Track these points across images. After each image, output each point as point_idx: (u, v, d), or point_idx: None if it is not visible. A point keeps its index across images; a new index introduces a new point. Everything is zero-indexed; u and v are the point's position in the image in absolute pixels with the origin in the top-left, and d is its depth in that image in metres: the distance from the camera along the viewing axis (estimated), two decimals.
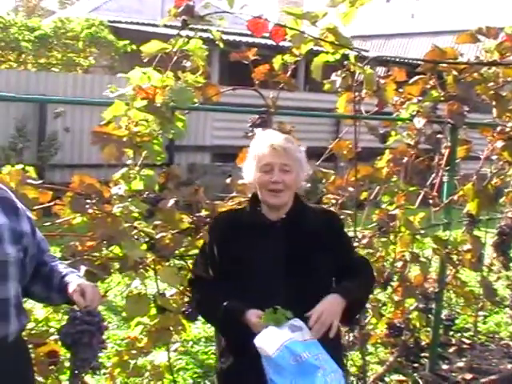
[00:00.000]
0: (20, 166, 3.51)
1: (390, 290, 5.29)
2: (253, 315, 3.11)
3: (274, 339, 2.96)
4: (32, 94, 13.77)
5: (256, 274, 3.26)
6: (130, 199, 3.54)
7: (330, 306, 3.17)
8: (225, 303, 3.23)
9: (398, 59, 21.23)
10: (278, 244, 3.30)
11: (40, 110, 15.04)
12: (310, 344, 2.99)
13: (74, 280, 2.80)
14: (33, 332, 3.68)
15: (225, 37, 4.26)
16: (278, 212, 3.36)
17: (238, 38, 17.96)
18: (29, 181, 3.48)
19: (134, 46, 20.00)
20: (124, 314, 5.14)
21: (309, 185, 3.96)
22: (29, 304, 3.11)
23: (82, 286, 2.74)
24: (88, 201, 3.53)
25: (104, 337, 3.02)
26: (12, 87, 14.57)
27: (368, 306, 4.97)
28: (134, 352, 4.18)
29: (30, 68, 20.54)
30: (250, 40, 17.69)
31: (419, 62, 5.29)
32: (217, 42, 4.00)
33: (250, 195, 3.58)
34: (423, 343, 6.10)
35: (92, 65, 21.96)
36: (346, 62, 4.65)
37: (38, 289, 2.91)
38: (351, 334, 5.08)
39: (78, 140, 15.74)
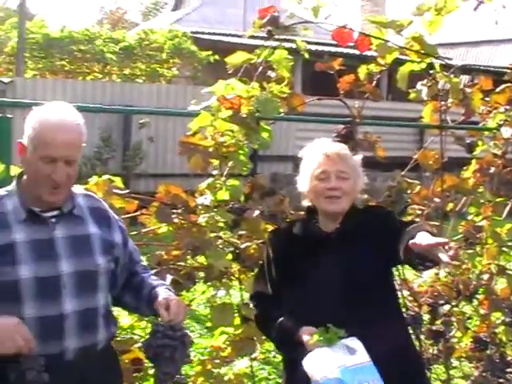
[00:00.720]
0: (107, 176, 3.57)
1: (475, 302, 5.17)
2: (305, 333, 2.97)
3: (323, 363, 2.81)
4: (117, 105, 13.99)
5: (310, 289, 3.13)
6: (215, 209, 3.55)
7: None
8: (280, 319, 3.14)
9: (483, 67, 20.87)
10: (332, 257, 3.15)
11: (125, 121, 15.30)
12: (363, 369, 2.79)
13: (162, 293, 2.81)
14: (118, 339, 3.73)
15: (307, 46, 4.25)
16: (334, 222, 3.21)
17: (319, 48, 17.91)
18: (115, 190, 3.53)
19: (216, 57, 20.20)
20: (208, 324, 5.17)
21: (365, 196, 3.90)
22: (114, 312, 3.14)
23: (168, 299, 2.74)
24: (174, 210, 3.56)
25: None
26: (97, 98, 14.86)
27: (453, 318, 4.87)
28: (217, 361, 4.19)
29: (115, 79, 20.93)
30: (332, 49, 17.63)
31: (506, 70, 5.17)
32: (301, 52, 4.00)
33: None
34: (509, 358, 5.95)
35: (175, 75, 22.24)
36: (431, 71, 4.58)
37: (128, 299, 2.95)
38: (435, 348, 4.99)
39: (162, 150, 15.94)
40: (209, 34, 24.18)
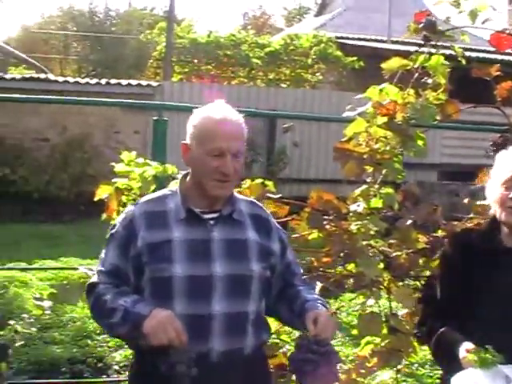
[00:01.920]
0: (259, 181, 3.59)
1: None
2: (464, 348, 2.81)
3: None
4: (262, 109, 14.14)
5: (485, 305, 2.95)
6: (368, 217, 3.50)
7: None
8: (442, 329, 2.99)
9: None
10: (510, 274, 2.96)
11: (270, 125, 15.42)
12: None
13: (314, 307, 2.75)
14: None
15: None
16: None
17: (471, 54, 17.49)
18: (268, 195, 3.54)
19: (361, 63, 20.08)
20: (353, 331, 5.11)
21: None
22: None
23: (317, 313, 2.68)
24: (325, 217, 3.54)
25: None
26: (243, 102, 15.06)
27: None
28: (362, 371, 4.12)
29: (259, 84, 21.15)
30: (480, 55, 17.18)
31: None
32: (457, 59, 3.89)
33: (489, 217, 3.29)
34: None
35: (319, 81, 22.26)
36: None
37: (282, 310, 2.92)
38: None
39: (307, 155, 16.01)
40: (353, 39, 24.07)
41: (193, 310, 2.66)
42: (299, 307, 2.80)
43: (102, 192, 3.82)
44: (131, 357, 5.37)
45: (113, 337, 3.76)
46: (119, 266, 2.75)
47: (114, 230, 2.82)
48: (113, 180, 3.83)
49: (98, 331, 6.60)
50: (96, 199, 3.82)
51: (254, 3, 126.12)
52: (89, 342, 6.55)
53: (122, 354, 6.14)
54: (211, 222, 2.76)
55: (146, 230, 2.72)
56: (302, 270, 3.12)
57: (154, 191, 3.40)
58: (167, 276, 2.65)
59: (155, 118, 4.15)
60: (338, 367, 2.76)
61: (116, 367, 6.04)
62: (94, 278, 2.80)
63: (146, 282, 2.71)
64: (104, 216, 3.78)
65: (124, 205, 3.71)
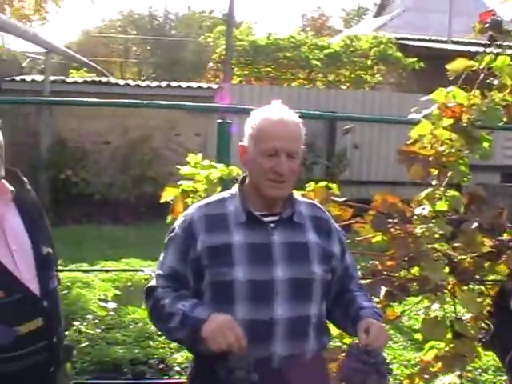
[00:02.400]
0: (323, 183, 3.58)
1: None
2: None
3: None
4: (322, 111, 14.10)
5: None
6: (433, 220, 3.46)
7: None
8: None
9: None
10: None
11: (330, 127, 15.37)
12: None
13: (367, 315, 2.70)
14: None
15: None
16: None
17: None
18: (332, 198, 3.53)
19: (421, 64, 19.88)
20: (415, 336, 5.07)
21: None
22: None
23: (369, 323, 2.64)
24: (389, 220, 3.51)
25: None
26: (303, 104, 15.04)
27: None
28: (426, 376, 4.08)
29: (319, 85, 21.10)
30: None
31: None
32: None
33: None
34: None
35: (379, 82, 22.10)
36: None
37: (338, 315, 2.89)
38: None
39: (367, 157, 15.92)
40: (413, 39, 23.84)
41: (255, 315, 2.64)
42: (354, 313, 2.76)
43: (168, 194, 3.84)
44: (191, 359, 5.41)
45: (171, 341, 3.77)
46: (178, 270, 2.74)
47: (172, 234, 2.83)
48: (178, 182, 3.85)
49: (159, 332, 6.64)
50: (161, 201, 3.84)
51: (312, 5, 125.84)
52: (150, 343, 6.59)
53: (184, 356, 6.16)
54: (271, 225, 2.74)
55: (205, 234, 2.71)
56: (365, 274, 3.10)
57: None
58: (228, 280, 2.64)
59: (219, 120, 4.17)
60: (388, 379, 2.70)
61: (177, 368, 6.06)
62: (153, 282, 2.81)
63: (205, 286, 2.71)
64: (169, 218, 3.79)
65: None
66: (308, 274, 2.72)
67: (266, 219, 2.75)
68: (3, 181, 2.69)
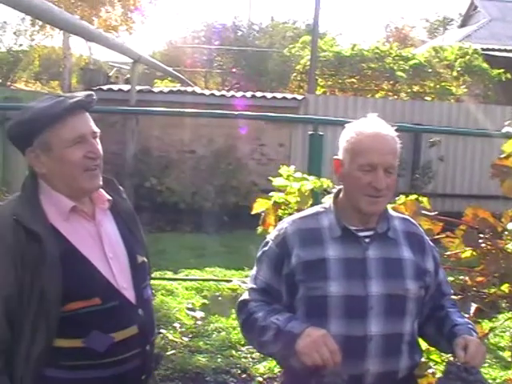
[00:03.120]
0: (414, 197, 3.55)
1: None
2: None
3: None
4: (406, 123, 13.97)
5: None
6: None
7: None
8: None
9: None
10: None
11: (415, 139, 15.20)
12: None
13: (463, 332, 2.67)
14: None
15: None
16: None
17: None
18: (423, 211, 3.50)
19: (508, 75, 19.51)
20: (504, 354, 4.98)
21: None
22: None
23: (467, 340, 2.59)
24: (480, 235, 3.46)
25: None
26: (388, 116, 14.88)
27: None
28: None
29: (403, 96, 20.90)
30: None
31: None
32: None
33: None
34: None
35: (464, 93, 21.77)
36: None
37: (430, 331, 2.87)
38: None
39: (452, 170, 15.69)
40: (499, 50, 23.40)
41: (348, 331, 2.63)
42: (448, 330, 2.73)
43: (260, 206, 3.85)
44: (275, 369, 5.42)
45: (264, 355, 3.75)
46: (272, 284, 2.76)
47: (266, 248, 2.83)
48: (268, 194, 3.86)
49: (242, 342, 6.68)
50: (253, 213, 3.85)
51: (395, 15, 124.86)
52: (233, 352, 6.62)
53: (266, 366, 6.18)
54: (366, 240, 2.73)
55: (300, 248, 2.71)
56: (455, 289, 3.06)
57: (311, 206, 3.42)
58: (322, 295, 2.64)
59: (311, 132, 4.18)
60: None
61: (260, 379, 6.07)
62: (246, 296, 2.83)
63: (299, 301, 2.71)
64: (260, 229, 3.81)
65: (280, 219, 3.69)
66: (402, 291, 2.70)
67: (361, 234, 2.74)
68: (101, 190, 2.76)
